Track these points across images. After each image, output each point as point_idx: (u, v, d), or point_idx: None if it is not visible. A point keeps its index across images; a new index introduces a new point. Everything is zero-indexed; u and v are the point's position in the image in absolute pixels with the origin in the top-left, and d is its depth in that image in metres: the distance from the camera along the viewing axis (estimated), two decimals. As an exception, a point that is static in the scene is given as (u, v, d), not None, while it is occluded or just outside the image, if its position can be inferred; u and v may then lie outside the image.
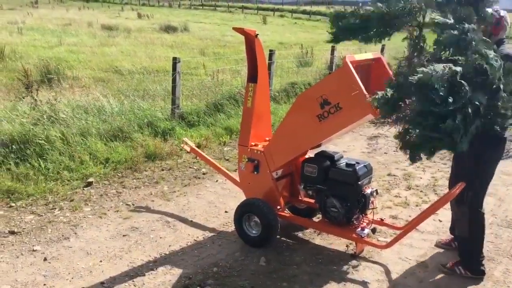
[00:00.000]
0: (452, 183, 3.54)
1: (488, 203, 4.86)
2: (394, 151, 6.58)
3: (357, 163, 3.65)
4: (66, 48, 13.96)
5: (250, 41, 3.79)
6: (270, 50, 8.28)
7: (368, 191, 3.66)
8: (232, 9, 52.35)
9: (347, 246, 3.82)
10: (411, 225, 3.47)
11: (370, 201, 3.69)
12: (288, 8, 52.41)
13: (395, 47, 16.57)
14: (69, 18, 24.53)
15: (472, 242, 3.41)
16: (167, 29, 21.43)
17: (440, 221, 4.36)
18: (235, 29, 3.78)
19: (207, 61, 12.50)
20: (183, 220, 4.21)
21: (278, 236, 3.86)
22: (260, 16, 39.10)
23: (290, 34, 23.98)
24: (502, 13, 3.11)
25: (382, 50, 11.85)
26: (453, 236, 3.86)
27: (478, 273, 3.43)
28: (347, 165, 3.64)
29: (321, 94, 3.36)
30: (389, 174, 5.59)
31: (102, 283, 3.22)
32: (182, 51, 14.99)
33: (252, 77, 3.85)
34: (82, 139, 5.44)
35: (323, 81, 3.55)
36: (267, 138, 4.02)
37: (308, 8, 52.72)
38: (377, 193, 3.76)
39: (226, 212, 4.39)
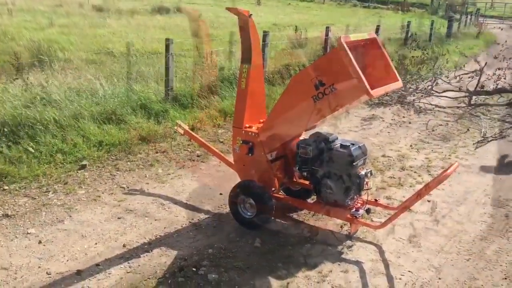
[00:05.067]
0: None
1: (482, 183, 4.91)
2: (388, 132, 6.59)
3: (352, 144, 3.64)
4: (58, 29, 13.74)
5: (244, 21, 3.73)
6: (264, 32, 8.19)
7: (363, 172, 3.66)
8: (226, -11, 51.43)
9: (341, 227, 3.84)
10: (405, 206, 3.48)
11: (365, 182, 3.70)
12: (282, -12, 51.59)
13: (389, 27, 16.48)
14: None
15: None
16: (160, 10, 21.14)
17: (429, 201, 4.37)
18: (229, 9, 3.72)
19: (201, 42, 12.36)
20: (178, 203, 4.20)
21: (273, 218, 3.88)
22: (254, -4, 38.54)
23: (284, 15, 23.71)
24: None
25: (377, 31, 11.78)
26: None
27: None
28: (342, 146, 3.63)
29: (316, 75, 3.32)
30: (383, 156, 5.60)
31: (97, 265, 3.22)
32: (175, 32, 14.81)
33: (246, 58, 3.81)
34: (75, 121, 5.39)
35: (318, 62, 3.50)
36: (262, 120, 4.00)
37: (302, -12, 51.86)
38: (371, 174, 3.76)
39: (221, 194, 4.38)
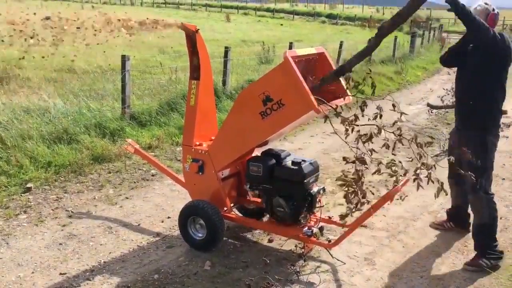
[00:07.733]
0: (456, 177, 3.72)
1: (439, 197, 4.88)
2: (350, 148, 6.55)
3: (303, 161, 3.55)
4: (19, 48, 13.39)
5: (191, 36, 3.64)
6: (226, 47, 8.14)
7: (315, 189, 3.57)
8: (196, 7, 51.91)
9: (296, 246, 3.72)
10: (357, 223, 3.40)
11: (317, 199, 3.61)
12: (252, 6, 52.45)
13: (356, 43, 16.73)
14: (25, 16, 23.61)
15: (493, 226, 3.51)
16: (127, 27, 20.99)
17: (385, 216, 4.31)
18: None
19: (167, 59, 12.25)
20: (127, 225, 4.01)
21: (225, 238, 3.73)
22: (223, 14, 38.90)
23: (254, 32, 23.88)
24: (496, 11, 3.47)
25: (340, 46, 11.90)
26: (447, 217, 4.10)
27: (500, 258, 3.50)
28: (293, 163, 3.54)
29: (263, 90, 3.25)
30: (343, 171, 5.52)
31: (32, 296, 3.01)
32: (142, 50, 14.65)
33: (195, 74, 3.70)
34: (22, 142, 5.14)
35: (265, 77, 3.41)
36: (213, 137, 3.88)
37: (272, 5, 52.84)
38: (324, 191, 3.67)
39: (168, 217, 4.18)
